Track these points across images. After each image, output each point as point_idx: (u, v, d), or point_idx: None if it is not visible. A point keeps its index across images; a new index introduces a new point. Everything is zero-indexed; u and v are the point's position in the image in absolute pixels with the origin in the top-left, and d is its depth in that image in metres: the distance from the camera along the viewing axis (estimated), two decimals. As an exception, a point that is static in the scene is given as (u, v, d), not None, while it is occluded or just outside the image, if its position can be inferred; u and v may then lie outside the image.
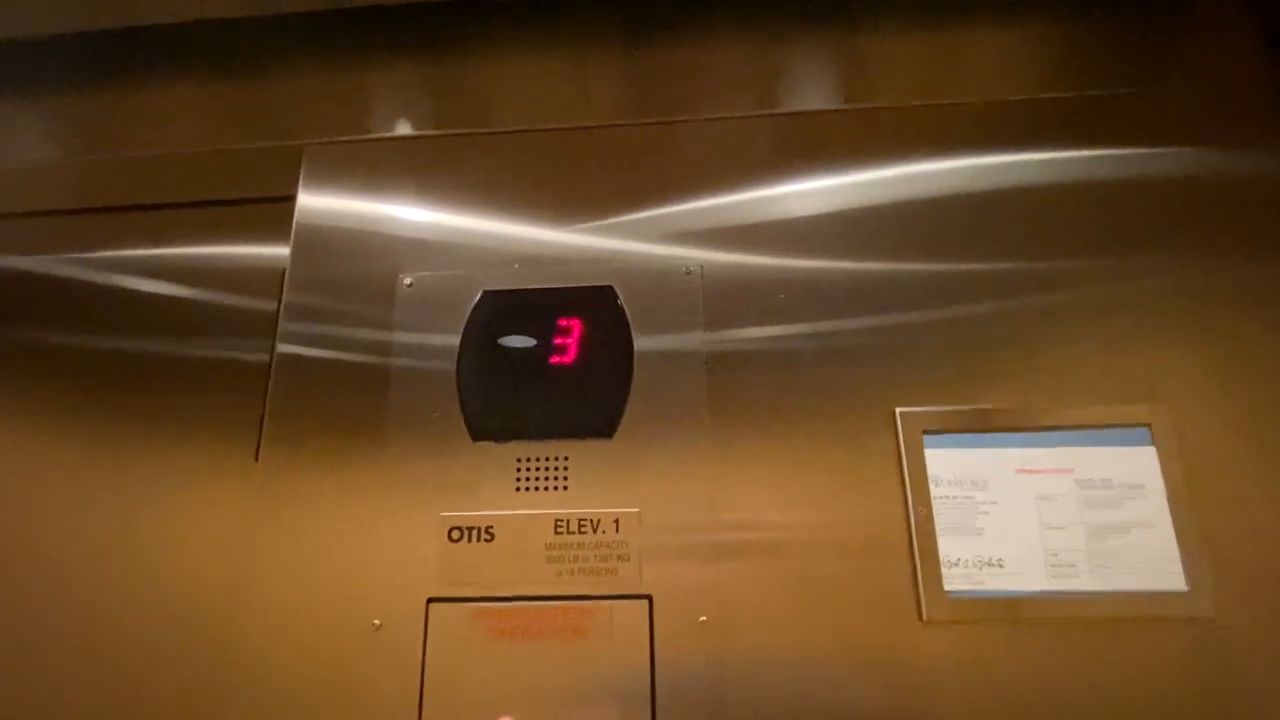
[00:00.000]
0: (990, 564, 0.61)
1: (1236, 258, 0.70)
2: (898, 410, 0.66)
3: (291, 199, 0.79)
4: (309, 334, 0.74)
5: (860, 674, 0.60)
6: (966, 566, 0.62)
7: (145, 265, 0.85)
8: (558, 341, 0.70)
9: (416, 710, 0.61)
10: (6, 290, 0.91)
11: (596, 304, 0.72)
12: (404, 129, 0.82)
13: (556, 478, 0.66)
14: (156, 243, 0.85)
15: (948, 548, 0.62)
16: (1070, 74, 0.81)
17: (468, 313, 0.72)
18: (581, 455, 0.67)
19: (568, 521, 0.65)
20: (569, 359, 0.70)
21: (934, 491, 0.64)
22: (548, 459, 0.67)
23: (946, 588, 0.61)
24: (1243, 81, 0.78)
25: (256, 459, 0.71)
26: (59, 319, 0.88)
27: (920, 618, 0.61)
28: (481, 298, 0.73)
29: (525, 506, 0.66)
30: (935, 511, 0.63)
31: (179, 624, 0.73)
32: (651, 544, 0.64)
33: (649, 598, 0.63)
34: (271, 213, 0.81)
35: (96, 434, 0.81)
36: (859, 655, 0.60)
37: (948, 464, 0.64)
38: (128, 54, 0.86)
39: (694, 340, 0.70)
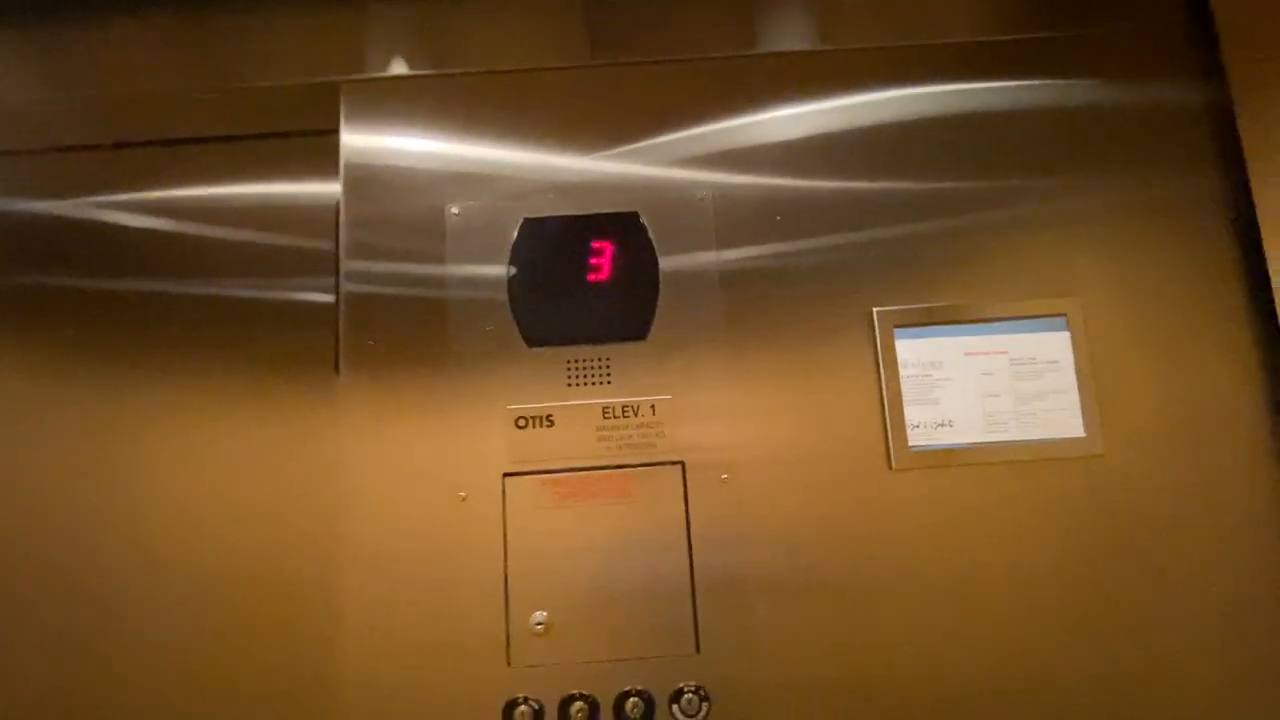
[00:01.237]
0: (943, 425, 0.80)
1: (1142, 177, 0.86)
2: (874, 310, 0.82)
3: (334, 133, 0.87)
4: (370, 271, 0.83)
5: (846, 509, 0.78)
6: (925, 428, 0.80)
7: (204, 206, 0.91)
8: (593, 261, 0.83)
9: (502, 562, 0.77)
10: (45, 235, 0.96)
11: (624, 228, 0.84)
12: (433, 68, 0.89)
13: (601, 374, 0.81)
14: (211, 182, 0.91)
15: (911, 414, 0.80)
16: (1011, 18, 0.93)
17: (512, 238, 0.83)
18: (621, 355, 0.81)
19: (613, 408, 0.80)
20: (604, 276, 0.82)
21: (902, 373, 0.81)
22: (593, 359, 0.81)
23: (910, 443, 0.79)
24: (1159, 22, 0.92)
25: (337, 372, 0.82)
26: (103, 265, 0.93)
27: (890, 466, 0.79)
28: (523, 225, 0.84)
29: (577, 398, 0.80)
30: (902, 387, 0.80)
31: (288, 523, 0.85)
32: (681, 422, 0.80)
33: (681, 463, 0.79)
34: (318, 145, 0.88)
35: (196, 376, 0.88)
36: (845, 496, 0.78)
37: (912, 350, 0.81)
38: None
39: (708, 254, 0.83)
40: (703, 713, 0.74)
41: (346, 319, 0.82)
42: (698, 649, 0.76)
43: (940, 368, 0.81)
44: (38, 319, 0.91)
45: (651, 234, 0.84)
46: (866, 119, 0.87)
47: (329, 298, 0.86)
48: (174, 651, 0.83)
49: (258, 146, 0.93)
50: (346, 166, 0.86)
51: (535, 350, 0.81)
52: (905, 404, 0.80)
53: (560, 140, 0.87)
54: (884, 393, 0.80)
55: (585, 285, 0.82)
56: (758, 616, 0.76)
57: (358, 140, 0.86)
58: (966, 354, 0.82)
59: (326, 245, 0.88)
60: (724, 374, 0.81)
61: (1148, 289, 0.84)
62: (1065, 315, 0.82)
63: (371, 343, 0.81)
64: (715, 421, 0.80)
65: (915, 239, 0.84)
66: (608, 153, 0.86)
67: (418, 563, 0.77)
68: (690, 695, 0.74)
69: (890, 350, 0.81)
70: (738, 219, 0.85)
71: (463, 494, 0.78)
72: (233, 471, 0.87)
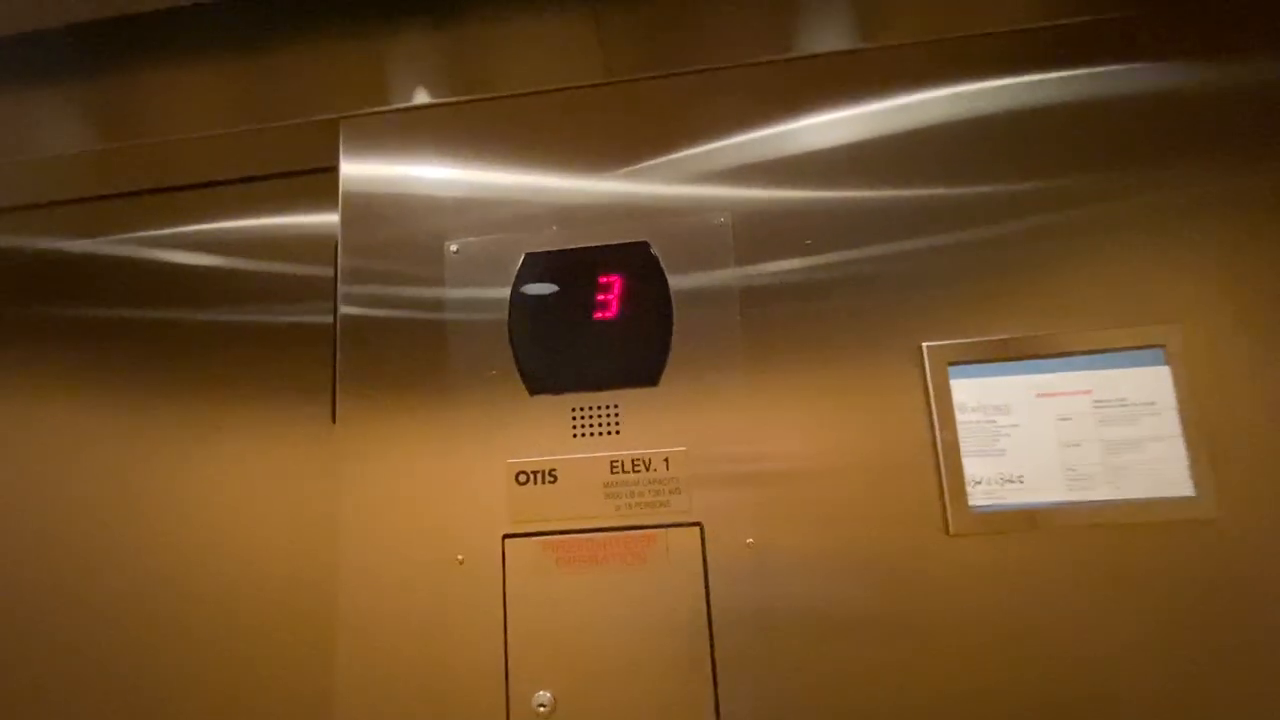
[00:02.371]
0: (1011, 480, 0.67)
1: (1244, 169, 0.71)
2: (924, 345, 0.71)
3: (334, 169, 0.83)
4: (367, 295, 0.79)
5: (893, 582, 0.67)
6: (989, 484, 0.67)
7: (203, 240, 0.91)
8: (600, 298, 0.75)
9: (502, 632, 0.70)
10: (78, 271, 0.97)
11: (633, 260, 0.76)
12: (433, 97, 0.84)
13: (609, 423, 0.73)
14: (212, 218, 0.90)
15: (971, 468, 0.68)
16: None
17: (513, 275, 0.77)
18: (630, 402, 0.73)
19: (622, 462, 0.72)
20: (612, 313, 0.75)
21: (959, 418, 0.69)
22: (600, 407, 0.73)
23: (970, 503, 0.67)
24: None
25: (334, 421, 0.77)
26: (128, 296, 0.94)
27: (946, 531, 0.67)
28: (525, 260, 0.77)
29: (582, 450, 0.72)
30: (959, 436, 0.68)
31: (278, 572, 0.83)
32: (699, 477, 0.71)
33: (699, 525, 0.70)
34: (318, 183, 0.85)
35: (179, 403, 0.89)
36: (891, 565, 0.67)
37: (971, 392, 0.69)
38: (157, 38, 0.88)
39: (728, 283, 0.74)
40: (727, 818, 0.65)
41: (343, 346, 0.78)
42: (720, 741, 0.66)
43: (1007, 412, 0.69)
44: (57, 346, 0.93)
45: (664, 265, 0.75)
46: (912, 121, 0.76)
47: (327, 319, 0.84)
48: (173, 668, 0.80)
49: (270, 185, 0.92)
50: (345, 196, 0.82)
51: (538, 398, 0.74)
52: (964, 455, 0.68)
53: (566, 163, 0.80)
54: (938, 443, 0.68)
55: (591, 325, 0.75)
56: (789, 704, 0.66)
57: (357, 171, 0.82)
58: (1039, 395, 0.69)
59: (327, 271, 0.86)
60: (747, 423, 0.71)
61: (1267, 309, 0.69)
62: (1163, 346, 0.68)
63: (371, 390, 0.77)
64: (737, 478, 0.70)
65: (971, 257, 0.72)
66: (617, 173, 0.79)
67: (412, 632, 0.71)
68: (712, 796, 0.65)
69: (944, 392, 0.69)
70: (761, 242, 0.75)
71: (460, 557, 0.72)
72: (238, 492, 0.85)
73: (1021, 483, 0.67)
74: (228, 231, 0.93)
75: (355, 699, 0.70)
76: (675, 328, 0.74)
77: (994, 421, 0.69)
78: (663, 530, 0.70)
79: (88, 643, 0.86)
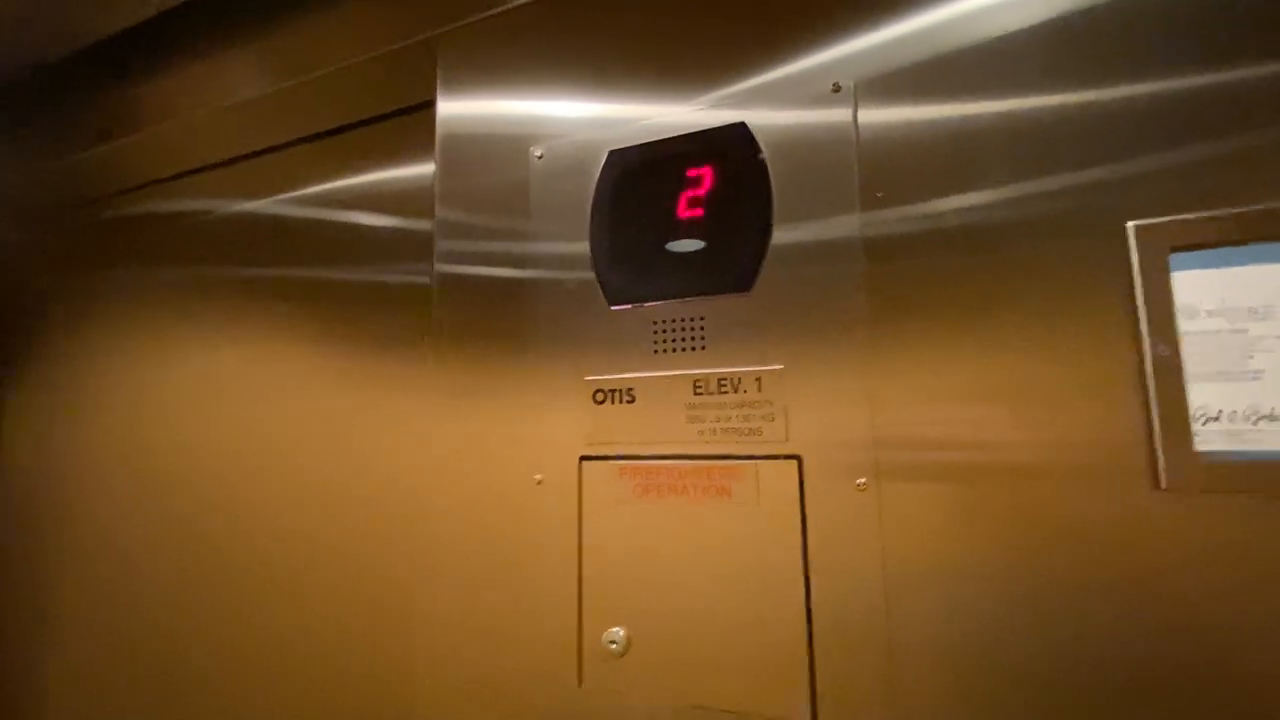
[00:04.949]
0: (1267, 417, 0.45)
1: None
2: (1130, 225, 0.50)
3: (432, 104, 0.82)
4: (460, 251, 0.77)
5: (1064, 553, 0.49)
6: (1233, 421, 0.46)
7: (341, 197, 0.99)
8: (688, 194, 0.65)
9: (576, 560, 0.65)
10: (240, 230, 1.11)
11: (728, 145, 0.64)
12: None
13: (692, 337, 0.63)
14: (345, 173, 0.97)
15: (1200, 397, 0.47)
16: None
17: (595, 177, 0.70)
18: (717, 312, 0.62)
19: (707, 381, 0.62)
20: (700, 211, 0.64)
21: (1183, 328, 0.48)
22: (682, 319, 0.63)
23: (1196, 447, 0.46)
24: None
25: (432, 361, 0.77)
26: (277, 254, 1.06)
27: (1157, 484, 0.47)
28: (607, 158, 0.69)
29: (663, 368, 0.64)
30: (1184, 352, 0.47)
31: (383, 491, 0.88)
32: (799, 403, 0.58)
33: (798, 458, 0.58)
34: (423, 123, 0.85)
35: (315, 350, 0.97)
36: (1062, 529, 0.49)
37: (1205, 289, 0.47)
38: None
39: (845, 164, 0.59)
40: (819, 805, 0.53)
41: (439, 295, 0.77)
42: (815, 715, 0.54)
43: (1268, 316, 0.46)
44: (229, 300, 1.07)
45: (764, 148, 0.62)
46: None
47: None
48: (275, 593, 0.90)
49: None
50: (441, 139, 0.80)
51: (618, 310, 0.66)
52: (1188, 381, 0.47)
53: (660, 61, 0.70)
54: (1147, 362, 0.48)
55: (677, 224, 0.65)
56: (906, 689, 0.52)
57: (452, 108, 0.80)
58: (1334, 291, 0.45)
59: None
60: (862, 337, 0.57)
61: None
62: None
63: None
64: (848, 404, 0.56)
65: (1198, 104, 0.49)
66: (717, 79, 0.67)
67: (492, 550, 0.69)
68: (802, 776, 0.54)
69: (1162, 290, 0.48)
70: (887, 106, 0.59)
71: (539, 477, 0.68)
72: (360, 430, 0.91)
73: (1291, 420, 0.45)
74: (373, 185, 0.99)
75: (438, 614, 0.71)
76: (776, 222, 0.61)
77: (1244, 331, 0.46)
78: (752, 462, 0.59)
79: (250, 537, 0.99)
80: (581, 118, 0.72)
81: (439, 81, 0.82)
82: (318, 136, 1.03)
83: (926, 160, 0.56)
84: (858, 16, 0.61)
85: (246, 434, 1.03)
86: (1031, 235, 0.53)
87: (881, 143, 0.59)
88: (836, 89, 0.61)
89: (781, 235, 0.61)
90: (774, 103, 0.63)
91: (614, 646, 0.61)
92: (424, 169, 0.94)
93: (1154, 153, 0.50)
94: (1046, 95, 0.54)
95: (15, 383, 1.41)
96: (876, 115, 0.59)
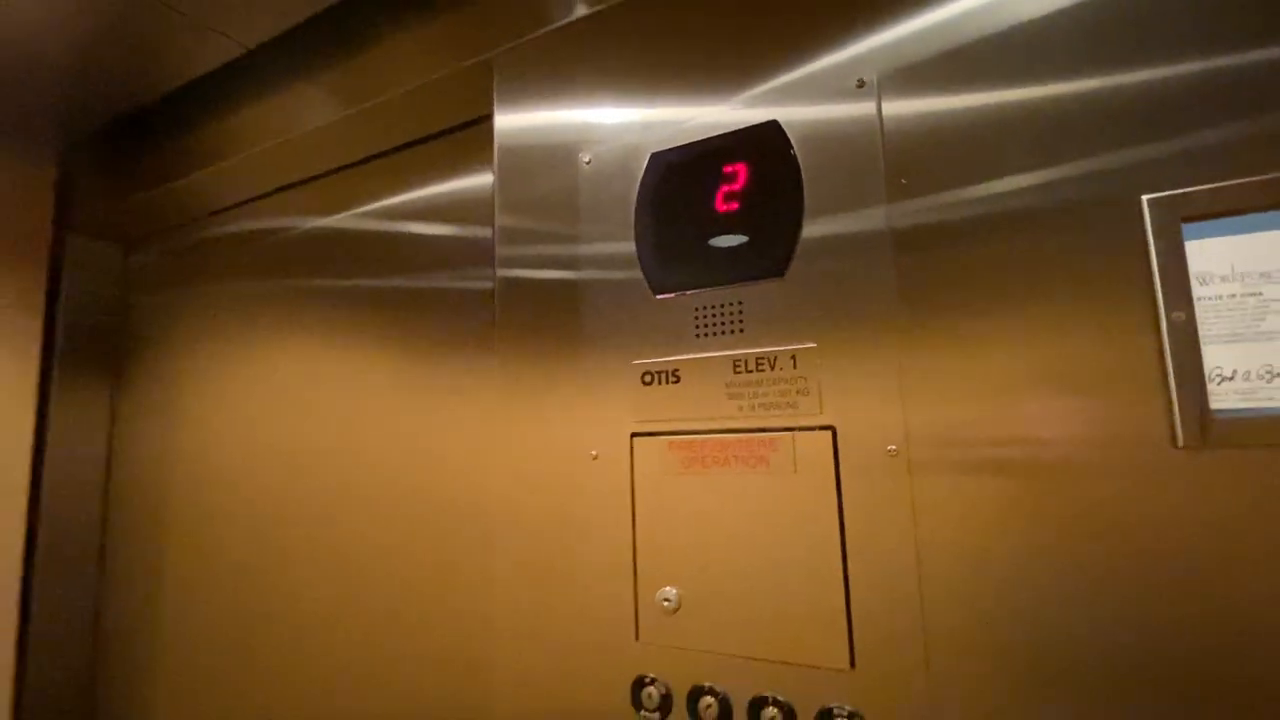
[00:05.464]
0: (1285, 374, 0.47)
1: None
2: (1144, 199, 0.53)
3: (490, 118, 0.90)
4: (519, 256, 0.84)
5: (1088, 512, 0.52)
6: (1246, 380, 0.48)
7: (406, 210, 1.08)
8: (724, 189, 0.70)
9: (631, 527, 0.71)
10: (319, 244, 1.22)
11: (761, 142, 0.69)
12: (580, 9, 0.85)
13: (732, 321, 0.68)
14: (407, 189, 1.07)
15: (1215, 358, 0.49)
16: None
17: (639, 177, 0.76)
18: (754, 297, 0.67)
19: (745, 360, 0.67)
20: (736, 204, 0.69)
21: (1198, 292, 0.50)
22: (722, 304, 0.69)
23: (1213, 405, 0.49)
24: None
25: (496, 357, 0.84)
26: (352, 265, 1.16)
27: (1175, 443, 0.50)
28: (649, 160, 0.75)
29: (704, 350, 0.69)
30: (1199, 316, 0.50)
31: (454, 477, 0.96)
32: (832, 378, 0.63)
33: (832, 428, 0.62)
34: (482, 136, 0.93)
35: (387, 352, 1.07)
36: (1084, 487, 0.52)
37: (1219, 256, 0.50)
38: (352, 16, 1.05)
39: (873, 162, 0.64)
40: (859, 745, 0.58)
41: (500, 294, 0.85)
42: (852, 664, 0.59)
43: (1278, 280, 0.48)
44: (305, 309, 1.18)
45: (795, 143, 0.67)
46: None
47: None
48: (353, 570, 0.99)
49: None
50: (499, 150, 0.88)
51: (662, 298, 0.73)
52: (1204, 343, 0.50)
53: (697, 68, 0.75)
54: (1163, 328, 0.51)
55: (715, 217, 0.70)
56: (938, 642, 0.56)
57: (509, 120, 0.88)
58: (1347, 253, 0.47)
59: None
60: (889, 314, 0.61)
61: None
62: None
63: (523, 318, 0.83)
64: (878, 376, 0.61)
65: (1208, 84, 0.51)
66: (750, 78, 0.72)
67: (554, 520, 0.76)
68: (843, 720, 0.59)
69: (1176, 259, 0.51)
70: (912, 100, 0.63)
71: (594, 453, 0.75)
72: (419, 430, 1.01)
73: (1305, 377, 0.47)
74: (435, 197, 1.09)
75: (510, 580, 0.78)
76: (807, 210, 0.66)
77: (1257, 294, 0.49)
78: (789, 433, 0.64)
79: (332, 526, 1.09)
80: (625, 123, 0.79)
81: (496, 97, 0.90)
82: (385, 154, 1.14)
83: (948, 147, 0.60)
84: (879, 15, 0.65)
85: (329, 431, 1.14)
86: (1049, 214, 0.56)
87: (905, 132, 0.63)
88: (861, 84, 0.65)
89: (812, 223, 0.65)
90: (803, 100, 0.68)
91: (667, 604, 0.68)
92: (482, 179, 1.02)
93: (1165, 129, 0.53)
94: (1061, 82, 0.57)
95: (125, 390, 1.58)
96: (899, 107, 0.63)
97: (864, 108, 0.65)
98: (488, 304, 0.91)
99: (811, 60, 0.68)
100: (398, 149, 1.12)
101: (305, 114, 1.11)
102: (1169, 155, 0.52)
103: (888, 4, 0.65)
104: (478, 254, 1.02)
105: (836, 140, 0.66)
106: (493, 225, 0.87)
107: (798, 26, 0.69)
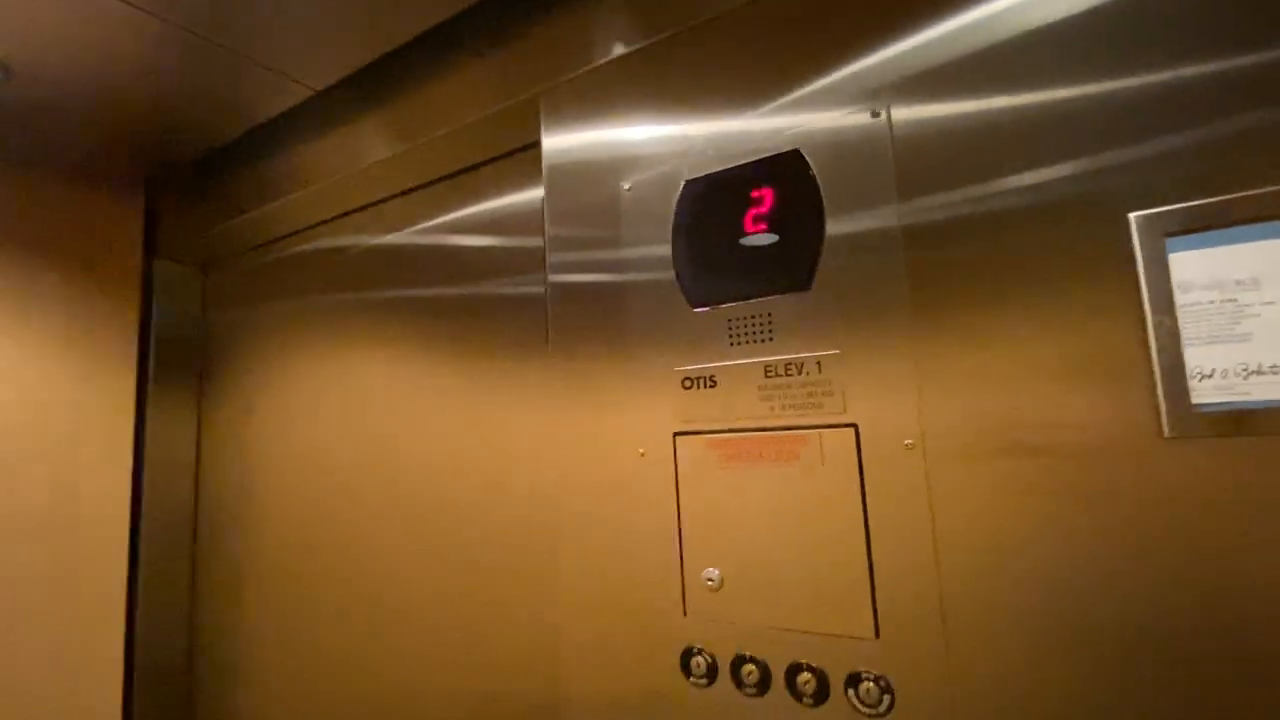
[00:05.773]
0: (1257, 372, 0.53)
1: None
2: (1132, 216, 0.59)
3: (538, 145, 1.00)
4: (569, 261, 0.94)
5: (1085, 496, 0.59)
6: (1224, 378, 0.54)
7: (461, 225, 1.19)
8: (753, 212, 0.78)
9: (676, 516, 0.80)
10: (385, 259, 1.34)
11: (785, 170, 0.77)
12: (619, 49, 0.94)
13: (763, 331, 0.76)
14: (458, 206, 1.17)
15: (1196, 359, 0.55)
16: None
17: (674, 202, 0.84)
18: (782, 308, 0.75)
19: (775, 366, 0.75)
20: (764, 226, 0.77)
21: (1180, 300, 0.56)
22: (753, 315, 0.77)
23: (1194, 400, 0.55)
24: None
25: (550, 359, 0.94)
26: (413, 277, 1.27)
27: (1161, 434, 0.56)
28: (684, 187, 0.84)
29: (739, 357, 0.78)
30: (1181, 321, 0.56)
31: (512, 472, 1.06)
32: (854, 381, 0.71)
33: (854, 426, 0.70)
34: (530, 160, 1.03)
35: (446, 355, 1.18)
36: (1081, 472, 0.59)
37: (1201, 267, 0.56)
38: (413, 59, 1.15)
39: (885, 180, 0.71)
40: (884, 705, 0.66)
41: (552, 304, 0.95)
42: (877, 634, 0.67)
43: (1256, 287, 0.54)
44: (376, 318, 1.30)
45: (815, 169, 0.75)
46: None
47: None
48: (431, 557, 1.10)
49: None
50: (547, 169, 0.97)
51: (699, 311, 0.81)
52: (1185, 345, 0.56)
53: (724, 95, 0.83)
54: (1150, 331, 0.57)
55: (744, 238, 0.78)
56: (954, 613, 0.64)
57: (555, 142, 0.97)
58: (1316, 262, 0.53)
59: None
60: (905, 322, 0.68)
61: None
62: None
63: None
64: (896, 378, 0.68)
65: (1188, 101, 0.57)
66: (771, 100, 0.80)
67: (607, 511, 0.86)
68: (869, 684, 0.67)
69: (1160, 270, 0.57)
70: (920, 138, 0.70)
71: (641, 451, 0.84)
72: (479, 430, 1.11)
73: (1276, 374, 0.53)
74: (483, 213, 1.19)
75: (573, 565, 0.88)
76: (828, 229, 0.73)
77: (1234, 300, 0.55)
78: (816, 431, 0.72)
79: (402, 521, 1.21)
80: (661, 152, 0.87)
81: (543, 126, 0.99)
82: (442, 179, 1.24)
83: (952, 171, 0.67)
84: (891, 53, 0.72)
85: (400, 431, 1.26)
86: (1049, 233, 0.62)
87: (914, 152, 0.70)
88: (875, 115, 0.72)
89: (833, 240, 0.73)
90: (823, 130, 0.75)
91: (710, 583, 0.76)
92: (531, 194, 1.11)
93: (1148, 154, 0.59)
94: (1053, 91, 0.63)
95: (208, 398, 1.74)
96: (908, 130, 0.70)
97: (878, 136, 0.72)
98: (539, 309, 1.01)
99: (831, 95, 0.76)
100: (452, 174, 1.23)
101: (367, 149, 1.22)
102: (1153, 176, 0.58)
103: (898, 43, 0.72)
104: (529, 262, 1.11)
105: (853, 166, 0.73)
106: (543, 234, 0.96)
107: (818, 65, 0.77)
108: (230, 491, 1.64)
